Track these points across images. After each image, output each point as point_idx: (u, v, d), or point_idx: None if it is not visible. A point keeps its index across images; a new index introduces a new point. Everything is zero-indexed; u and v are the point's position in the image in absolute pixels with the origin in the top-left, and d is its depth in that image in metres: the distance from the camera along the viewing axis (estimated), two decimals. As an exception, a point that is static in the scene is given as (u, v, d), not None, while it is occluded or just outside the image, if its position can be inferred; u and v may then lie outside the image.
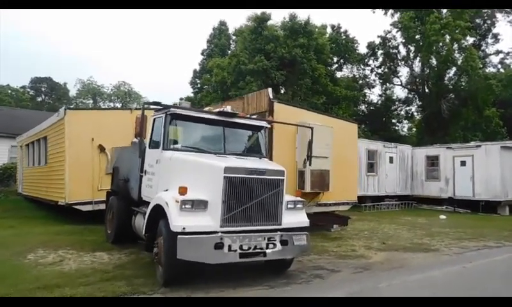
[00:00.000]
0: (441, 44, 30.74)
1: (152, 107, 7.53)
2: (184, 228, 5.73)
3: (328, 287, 6.52)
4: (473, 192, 20.90)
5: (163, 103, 7.09)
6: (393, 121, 42.29)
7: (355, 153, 14.07)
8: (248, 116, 8.66)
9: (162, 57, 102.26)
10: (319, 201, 12.11)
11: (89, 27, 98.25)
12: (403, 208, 22.25)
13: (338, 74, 38.25)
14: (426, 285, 6.76)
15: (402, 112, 40.88)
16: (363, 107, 40.51)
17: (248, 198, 6.26)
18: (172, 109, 7.00)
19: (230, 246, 5.97)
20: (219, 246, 5.89)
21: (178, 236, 5.63)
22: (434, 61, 33.11)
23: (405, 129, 45.73)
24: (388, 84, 39.15)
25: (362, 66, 38.26)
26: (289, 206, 6.96)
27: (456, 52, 31.14)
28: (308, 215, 12.05)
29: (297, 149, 11.66)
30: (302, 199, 7.26)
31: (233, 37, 32.39)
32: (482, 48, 38.09)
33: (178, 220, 5.77)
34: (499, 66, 38.63)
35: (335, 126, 12.58)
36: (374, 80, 38.68)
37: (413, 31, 31.58)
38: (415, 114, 40.94)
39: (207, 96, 30.00)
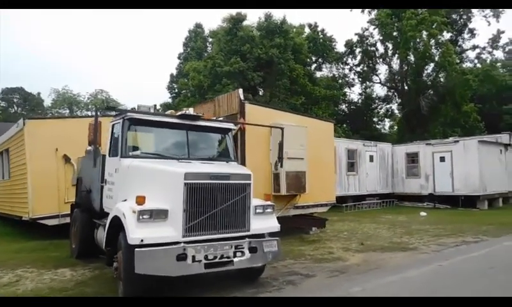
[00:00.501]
0: (418, 40, 30.96)
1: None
2: (142, 240, 5.36)
3: (300, 294, 6.21)
4: (453, 188, 20.94)
5: (119, 107, 6.70)
6: (374, 119, 42.49)
7: (332, 153, 13.84)
8: (214, 118, 8.31)
9: (140, 62, 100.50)
10: (296, 203, 11.83)
11: (62, 34, 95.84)
12: (384, 207, 22.18)
13: (318, 74, 38.26)
14: (400, 287, 6.51)
15: (383, 111, 41.09)
16: (343, 107, 40.57)
17: (212, 205, 5.93)
18: (129, 114, 6.62)
19: (194, 257, 5.64)
20: (182, 257, 5.54)
21: (136, 249, 5.26)
22: (412, 58, 33.34)
23: (386, 127, 46.07)
24: (367, 83, 39.31)
25: (341, 65, 38.31)
26: (258, 211, 6.66)
27: (433, 47, 31.37)
28: (286, 218, 11.99)
29: (271, 151, 11.35)
30: (271, 203, 6.94)
31: (210, 39, 31.99)
32: (459, 43, 38.52)
33: (135, 232, 5.40)
34: (476, 61, 39.19)
35: (310, 126, 12.33)
36: (353, 79, 38.78)
37: (390, 27, 31.73)
38: (396, 111, 41.22)
39: (185, 101, 29.52)
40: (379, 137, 35.29)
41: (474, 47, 38.51)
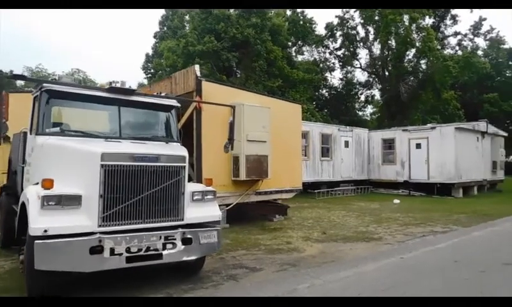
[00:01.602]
0: (399, 24, 30.31)
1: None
2: (45, 230, 4.56)
3: (237, 292, 5.52)
4: (428, 175, 20.58)
5: (32, 77, 5.82)
6: (356, 105, 42.01)
7: (299, 136, 13.11)
8: (156, 93, 7.48)
9: (119, 41, 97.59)
10: (258, 189, 11.13)
11: (37, 12, 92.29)
12: (359, 193, 21.72)
13: (300, 57, 37.41)
14: (352, 283, 5.86)
15: (363, 97, 40.60)
16: (324, 92, 39.90)
17: (136, 190, 5.17)
18: (46, 85, 5.75)
19: (112, 249, 4.89)
20: (97, 250, 4.79)
21: (36, 241, 4.48)
22: (393, 43, 32.73)
23: (368, 114, 45.67)
24: (348, 67, 38.63)
25: (322, 49, 37.48)
26: (196, 197, 5.93)
27: (414, 32, 30.78)
28: (246, 205, 11.29)
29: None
30: (212, 189, 6.19)
31: (187, 17, 30.74)
32: (441, 29, 38.07)
33: (37, 221, 4.60)
34: (457, 48, 38.81)
35: (275, 107, 11.58)
36: (334, 63, 38.04)
37: (371, 10, 30.96)
38: (377, 97, 40.76)
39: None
40: (359, 123, 34.79)
41: (456, 34, 38.17)
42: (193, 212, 5.80)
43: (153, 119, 6.86)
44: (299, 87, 28.36)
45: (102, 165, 4.94)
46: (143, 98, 6.55)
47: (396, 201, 17.65)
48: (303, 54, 38.30)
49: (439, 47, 33.25)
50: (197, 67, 10.04)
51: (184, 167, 5.65)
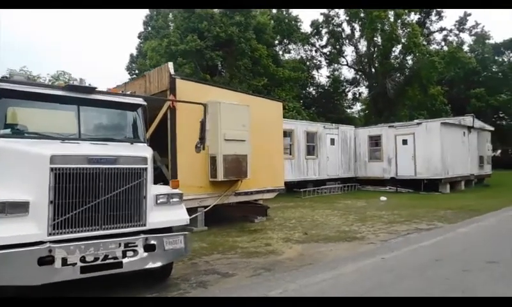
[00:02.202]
0: (385, 21, 30.16)
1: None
2: (-14, 241, 4.19)
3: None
4: (415, 171, 20.40)
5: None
6: (344, 103, 41.86)
7: (280, 135, 12.77)
8: (121, 92, 7.10)
9: (103, 42, 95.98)
10: (237, 190, 10.78)
11: (21, 13, 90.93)
12: (346, 191, 21.48)
13: (287, 56, 37.13)
14: (329, 287, 5.54)
15: (350, 94, 40.49)
16: (311, 90, 39.68)
17: (92, 195, 4.81)
18: (-5, 83, 5.35)
19: (64, 259, 4.52)
20: (46, 261, 4.42)
21: (-28, 252, 4.09)
22: (379, 40, 32.60)
23: (356, 111, 45.57)
24: (335, 65, 38.45)
25: (308, 47, 37.24)
26: (160, 200, 5.57)
27: (399, 28, 30.66)
28: (225, 206, 10.94)
29: (208, 132, 10.18)
30: (179, 192, 5.82)
31: (171, 17, 30.24)
32: (427, 25, 38.06)
33: (-24, 231, 4.21)
34: (443, 43, 38.84)
35: (255, 105, 11.25)
36: (320, 61, 37.83)
37: (356, 7, 30.75)
38: (364, 95, 40.66)
39: (144, 82, 27.81)
40: (347, 120, 34.57)
41: (441, 29, 38.19)
42: (157, 217, 5.44)
43: (117, 119, 6.47)
44: (285, 86, 28.06)
45: (51, 169, 4.57)
46: (105, 96, 6.15)
47: (383, 198, 17.41)
48: (289, 52, 38.10)
49: (425, 43, 33.17)
50: (170, 65, 9.65)
51: (146, 168, 5.29)
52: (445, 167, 19.68)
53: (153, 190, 5.56)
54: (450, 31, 38.48)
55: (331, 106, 37.89)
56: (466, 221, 11.14)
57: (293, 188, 18.68)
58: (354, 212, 13.41)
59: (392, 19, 29.62)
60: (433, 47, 36.85)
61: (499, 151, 45.95)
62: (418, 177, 20.29)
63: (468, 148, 22.63)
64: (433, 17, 37.46)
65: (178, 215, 5.71)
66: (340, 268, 6.55)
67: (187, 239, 5.58)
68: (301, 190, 18.75)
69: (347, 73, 40.75)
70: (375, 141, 22.66)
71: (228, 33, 24.18)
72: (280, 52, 36.49)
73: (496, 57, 45.18)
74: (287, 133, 19.06)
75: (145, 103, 6.65)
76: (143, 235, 5.15)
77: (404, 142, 20.92)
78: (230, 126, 10.11)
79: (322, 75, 39.68)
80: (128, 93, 6.92)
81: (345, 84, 39.36)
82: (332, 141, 21.54)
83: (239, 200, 11.05)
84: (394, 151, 21.31)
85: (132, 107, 6.50)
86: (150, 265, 5.20)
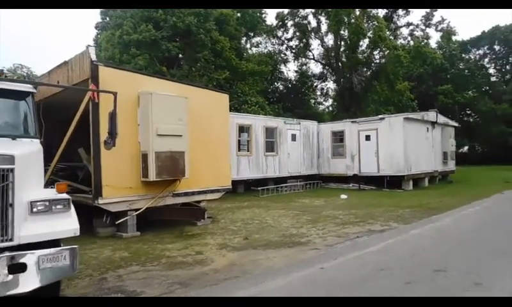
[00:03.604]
0: (351, 14, 29.59)
1: None
2: None
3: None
4: (378, 168, 19.85)
5: None
6: (313, 99, 41.30)
7: (226, 129, 11.80)
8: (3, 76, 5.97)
9: (61, 33, 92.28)
10: (175, 190, 9.76)
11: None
12: (308, 189, 20.72)
13: (254, 50, 36.19)
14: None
15: (318, 89, 39.89)
16: (279, 85, 38.90)
17: None
18: None
19: None
20: None
21: None
22: (345, 33, 32.06)
23: (325, 106, 45.11)
24: (302, 59, 37.76)
25: (276, 41, 36.39)
26: (38, 208, 4.50)
27: (365, 21, 30.16)
28: (159, 209, 9.89)
29: (139, 126, 9.16)
30: (64, 197, 4.77)
31: (129, 7, 28.80)
32: (394, 20, 37.84)
33: None
34: (409, 38, 38.75)
35: (197, 97, 10.27)
36: (286, 55, 37.02)
37: (321, -1, 30.07)
38: (331, 89, 40.19)
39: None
40: (314, 116, 33.93)
41: (408, 24, 38.06)
42: (32, 229, 4.38)
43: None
44: (248, 80, 27.08)
45: None
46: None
47: (343, 196, 16.72)
48: (257, 46, 37.18)
49: (391, 37, 32.86)
50: (92, 49, 8.53)
51: (12, 170, 4.24)
52: (408, 164, 19.19)
53: (29, 195, 4.51)
54: (417, 26, 38.46)
55: (299, 101, 37.20)
56: (422, 221, 10.48)
57: (250, 187, 17.77)
58: (309, 212, 12.60)
59: (357, 12, 29.08)
60: (400, 41, 36.68)
61: (466, 147, 46.51)
62: (381, 174, 19.75)
63: (432, 143, 22.28)
64: (400, 12, 37.22)
65: (63, 225, 4.65)
66: (266, 283, 5.64)
67: (75, 254, 4.55)
68: (259, 188, 17.84)
69: (315, 67, 40.20)
70: (338, 137, 22.01)
71: (186, 23, 22.97)
72: (248, 46, 35.56)
73: (463, 55, 45.61)
74: (244, 129, 18.17)
75: (35, 90, 5.56)
76: (7, 253, 4.10)
77: (367, 138, 20.34)
78: (163, 120, 9.08)
79: (290, 70, 38.95)
80: (14, 79, 5.80)
81: (312, 79, 38.72)
82: (293, 137, 20.72)
83: (177, 202, 10.04)
84: (357, 147, 20.71)
85: (18, 95, 5.41)
86: (19, 290, 4.15)
